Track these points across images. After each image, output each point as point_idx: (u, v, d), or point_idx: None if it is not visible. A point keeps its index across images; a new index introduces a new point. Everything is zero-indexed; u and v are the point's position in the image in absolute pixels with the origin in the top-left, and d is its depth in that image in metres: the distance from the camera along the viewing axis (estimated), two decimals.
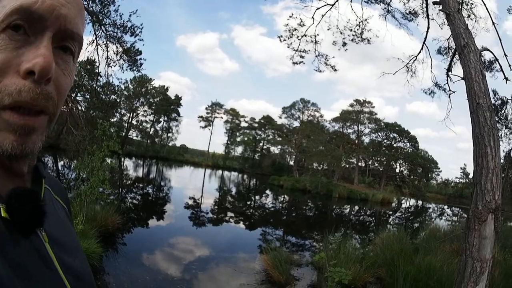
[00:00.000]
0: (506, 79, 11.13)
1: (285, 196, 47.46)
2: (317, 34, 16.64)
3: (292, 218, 28.71)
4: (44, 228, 0.87)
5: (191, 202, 27.11)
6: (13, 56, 0.76)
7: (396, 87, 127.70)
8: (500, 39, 11.65)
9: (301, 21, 16.57)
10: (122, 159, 46.26)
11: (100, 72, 22.05)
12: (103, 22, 19.39)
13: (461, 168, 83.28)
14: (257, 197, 42.07)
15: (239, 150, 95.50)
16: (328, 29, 16.80)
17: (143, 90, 79.71)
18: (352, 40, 16.58)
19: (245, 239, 17.95)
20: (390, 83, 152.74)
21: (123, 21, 19.55)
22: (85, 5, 19.29)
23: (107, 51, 20.30)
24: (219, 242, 16.09)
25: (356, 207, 45.72)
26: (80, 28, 0.87)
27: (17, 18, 0.77)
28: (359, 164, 78.28)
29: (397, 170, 77.43)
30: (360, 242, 18.99)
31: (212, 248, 14.41)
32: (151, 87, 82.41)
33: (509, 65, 11.91)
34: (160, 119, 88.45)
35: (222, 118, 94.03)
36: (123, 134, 69.91)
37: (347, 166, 77.39)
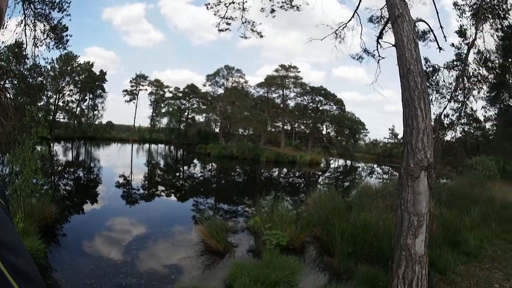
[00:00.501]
0: (440, 48, 11.49)
1: (213, 164, 47.93)
2: (245, 1, 16.55)
3: (222, 186, 28.94)
4: None
5: (121, 181, 27.03)
6: None
7: (323, 52, 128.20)
8: (437, 12, 11.97)
9: None
10: (51, 144, 44.97)
11: (27, 55, 21.31)
12: (33, 0, 18.65)
13: (389, 129, 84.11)
14: (185, 168, 42.38)
15: (164, 121, 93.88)
16: None
17: (68, 68, 77.15)
18: (281, 7, 16.54)
19: (179, 212, 18.03)
20: (317, 49, 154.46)
21: None
22: None
23: (35, 30, 19.59)
24: (153, 217, 16.05)
25: (285, 170, 46.49)
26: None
27: None
28: (285, 127, 78.22)
29: (324, 132, 78.62)
30: (292, 204, 19.27)
31: (148, 225, 14.39)
32: (76, 65, 79.92)
33: (444, 36, 12.46)
34: (86, 97, 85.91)
35: (146, 90, 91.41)
36: (51, 117, 66.96)
37: (273, 130, 77.27)
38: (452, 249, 10.11)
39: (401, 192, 6.83)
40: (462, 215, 12.99)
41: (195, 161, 51.38)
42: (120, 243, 11.97)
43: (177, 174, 35.77)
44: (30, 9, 18.79)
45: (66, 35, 20.74)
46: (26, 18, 18.83)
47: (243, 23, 17.40)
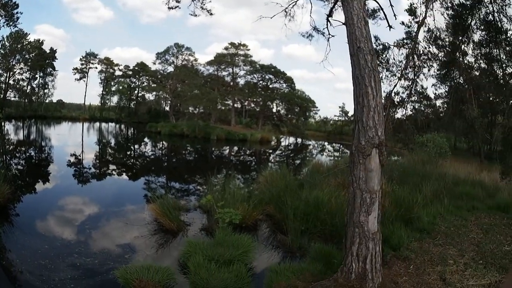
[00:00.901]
0: (390, 27, 11.63)
1: (164, 142, 47.81)
2: None
3: (173, 164, 28.92)
4: None
5: (73, 160, 26.67)
6: None
7: (272, 30, 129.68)
8: None
9: None
10: (2, 124, 43.93)
11: None
12: None
13: (339, 106, 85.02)
14: (136, 146, 42.14)
15: (114, 100, 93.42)
16: None
17: (19, 46, 75.37)
18: None
19: (130, 191, 17.92)
20: (266, 27, 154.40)
21: None
22: None
23: None
24: (105, 197, 15.95)
25: (236, 148, 46.65)
26: None
27: None
28: (235, 105, 78.54)
29: (274, 110, 79.09)
30: (244, 182, 19.31)
31: (100, 204, 14.22)
32: (27, 42, 78.12)
33: (394, 15, 12.74)
34: (36, 76, 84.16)
35: (96, 68, 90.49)
36: (1, 96, 65.64)
37: (223, 108, 77.28)
38: (406, 226, 10.20)
39: (353, 170, 6.81)
40: (414, 192, 13.05)
41: (146, 139, 51.12)
42: (73, 222, 11.78)
43: (128, 152, 35.52)
44: None
45: (17, 13, 20.29)
46: None
47: (192, 0, 17.29)
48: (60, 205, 14.03)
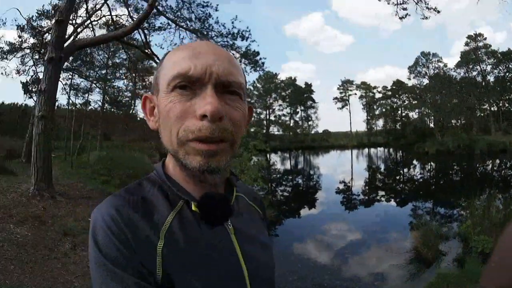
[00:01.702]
0: None
1: (431, 163, 45.48)
2: None
3: (440, 186, 27.44)
4: (231, 223, 1.14)
5: (341, 187, 26.87)
6: (188, 106, 1.01)
7: (493, 8, 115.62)
8: None
9: None
10: (268, 155, 47.09)
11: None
12: (209, 36, 20.20)
13: None
14: (404, 170, 40.70)
15: (380, 123, 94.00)
16: None
17: (272, 86, 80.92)
18: None
19: (396, 217, 17.17)
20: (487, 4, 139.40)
21: (228, 29, 20.25)
22: (184, 26, 20.32)
23: None
24: (370, 223, 15.64)
25: (497, 161, 43.01)
26: (234, 75, 1.06)
27: (180, 81, 1.01)
28: (492, 108, 70.86)
29: None
30: (502, 202, 18.05)
31: (363, 231, 14.15)
32: (279, 81, 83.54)
33: None
34: (297, 110, 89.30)
35: (356, 94, 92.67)
36: (264, 131, 70.46)
37: (482, 114, 71.58)
38: None
39: None
40: None
41: (414, 161, 49.07)
42: (332, 247, 12.04)
43: (397, 177, 34.63)
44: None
45: (260, 58, 21.82)
46: None
47: (416, 3, 17.21)
48: (322, 229, 14.42)
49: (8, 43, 26.52)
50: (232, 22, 20.45)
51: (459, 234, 12.09)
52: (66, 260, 7.53)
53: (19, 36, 25.86)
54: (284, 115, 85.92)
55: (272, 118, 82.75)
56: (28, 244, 7.80)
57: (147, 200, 1.07)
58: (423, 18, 17.49)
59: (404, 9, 17.35)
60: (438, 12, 17.45)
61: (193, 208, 1.07)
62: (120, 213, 0.99)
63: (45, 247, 7.75)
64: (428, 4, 17.18)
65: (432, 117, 77.46)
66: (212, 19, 20.25)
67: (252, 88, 66.02)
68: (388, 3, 17.35)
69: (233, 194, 1.24)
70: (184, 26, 20.23)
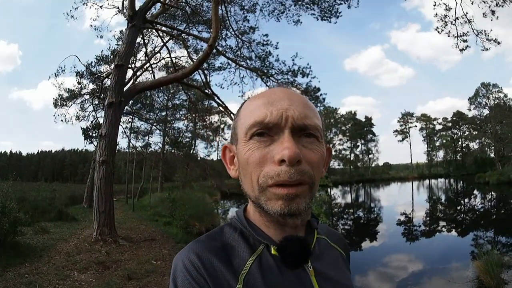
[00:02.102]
0: None
1: (492, 193, 44.26)
2: (466, 12, 16.56)
3: (501, 216, 26.67)
4: (312, 265, 1.14)
5: (402, 218, 26.62)
6: (266, 152, 1.04)
7: None
8: None
9: (446, 5, 16.62)
10: (329, 190, 46.91)
11: None
12: (269, 74, 20.38)
13: None
14: (465, 200, 39.82)
15: (440, 155, 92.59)
16: (472, 3, 16.43)
17: (332, 121, 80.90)
18: (496, 5, 16.00)
19: (458, 246, 16.95)
20: None
21: (288, 66, 20.25)
22: (245, 64, 20.53)
23: None
24: (431, 254, 15.47)
25: None
26: (310, 118, 1.09)
27: (258, 129, 1.05)
28: None
29: None
30: None
31: (425, 261, 13.97)
32: (339, 116, 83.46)
33: None
34: (358, 144, 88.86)
35: (416, 126, 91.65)
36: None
37: None
38: None
39: None
40: None
41: (475, 192, 47.92)
42: (393, 278, 11.98)
43: (457, 207, 33.81)
44: (270, 81, 20.30)
45: (321, 94, 21.91)
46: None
47: (476, 35, 17.10)
48: (384, 261, 14.41)
49: (67, 90, 27.34)
50: (293, 59, 20.43)
51: None
52: None
53: (78, 83, 26.83)
54: (344, 149, 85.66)
55: (333, 152, 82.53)
56: None
57: (228, 245, 1.12)
58: (483, 50, 17.39)
59: (465, 41, 17.36)
60: (499, 43, 17.30)
61: (273, 251, 1.09)
62: (200, 258, 1.05)
63: None
64: (488, 36, 17.12)
65: (493, 147, 75.53)
66: (272, 57, 20.30)
67: None
68: (449, 36, 17.41)
69: (314, 237, 1.25)
70: (244, 65, 20.42)
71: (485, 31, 17.01)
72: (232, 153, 1.22)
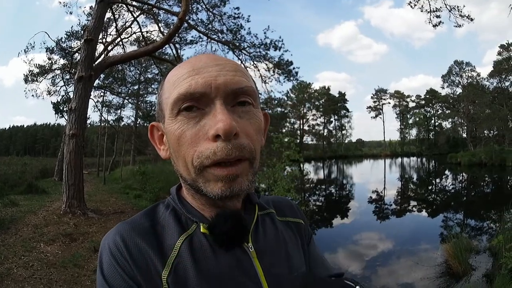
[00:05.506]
0: None
1: (463, 174, 44.61)
2: None
3: (471, 198, 26.81)
4: (254, 246, 1.02)
5: (374, 196, 26.60)
6: (198, 128, 0.91)
7: None
8: None
9: None
10: (302, 165, 47.07)
11: (259, 91, 23.18)
12: (241, 47, 20.30)
13: None
14: (436, 180, 40.14)
15: (413, 132, 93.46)
16: None
17: (305, 95, 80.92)
18: None
19: (427, 227, 16.90)
20: None
21: (260, 40, 20.18)
22: (216, 38, 20.38)
23: (258, 70, 21.05)
24: (401, 234, 15.44)
25: None
26: (243, 82, 0.96)
27: (184, 102, 0.91)
28: None
29: None
30: None
31: (394, 242, 13.94)
32: (313, 91, 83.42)
33: None
34: (331, 119, 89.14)
35: (389, 103, 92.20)
36: (298, 141, 70.34)
37: None
38: None
39: None
40: None
41: (446, 172, 48.31)
42: (362, 257, 11.93)
43: (428, 187, 33.98)
44: (243, 54, 20.25)
45: (293, 68, 21.74)
46: (243, 62, 20.33)
47: (449, 11, 17.16)
48: (354, 239, 14.32)
49: (38, 65, 27.11)
50: (265, 33, 20.39)
51: (489, 248, 11.70)
52: (95, 277, 7.50)
53: (49, 58, 26.47)
54: (317, 124, 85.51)
55: (305, 127, 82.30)
56: (58, 262, 7.77)
57: (158, 225, 1.02)
58: (456, 26, 17.38)
59: (438, 16, 17.30)
60: (472, 20, 17.37)
61: (202, 229, 0.98)
62: (124, 240, 0.95)
63: (75, 265, 7.71)
64: (461, 11, 17.10)
65: (465, 127, 76.35)
66: (244, 30, 20.16)
67: (286, 98, 65.55)
68: (422, 11, 17.32)
69: (255, 213, 1.12)
70: (216, 38, 20.29)
71: (458, 7, 17.12)
72: (160, 132, 1.09)
